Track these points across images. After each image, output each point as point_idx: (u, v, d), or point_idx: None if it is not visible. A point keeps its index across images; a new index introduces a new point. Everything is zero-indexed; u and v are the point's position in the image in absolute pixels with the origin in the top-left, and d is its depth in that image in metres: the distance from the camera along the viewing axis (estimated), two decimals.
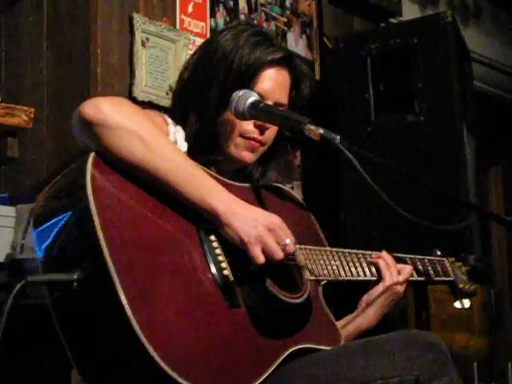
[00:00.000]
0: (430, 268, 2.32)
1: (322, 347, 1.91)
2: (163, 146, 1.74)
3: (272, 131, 2.06)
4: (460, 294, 2.40)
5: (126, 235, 1.62)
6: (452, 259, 2.41)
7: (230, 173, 2.07)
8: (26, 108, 2.69)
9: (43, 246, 1.67)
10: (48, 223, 1.68)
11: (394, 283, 2.15)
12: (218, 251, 1.77)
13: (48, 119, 2.80)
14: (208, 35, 3.09)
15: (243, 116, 1.97)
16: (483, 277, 3.47)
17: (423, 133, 3.18)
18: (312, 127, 1.88)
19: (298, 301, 1.91)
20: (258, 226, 1.77)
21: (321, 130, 1.87)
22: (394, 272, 2.16)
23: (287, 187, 2.20)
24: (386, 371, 1.77)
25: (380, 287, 2.15)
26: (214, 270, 1.74)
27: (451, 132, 3.16)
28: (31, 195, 2.32)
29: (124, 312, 1.52)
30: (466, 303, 2.42)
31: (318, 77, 3.75)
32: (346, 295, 2.27)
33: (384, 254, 2.19)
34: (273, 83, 2.03)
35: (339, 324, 2.12)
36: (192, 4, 3.11)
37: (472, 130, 3.42)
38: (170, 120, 1.99)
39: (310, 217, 2.20)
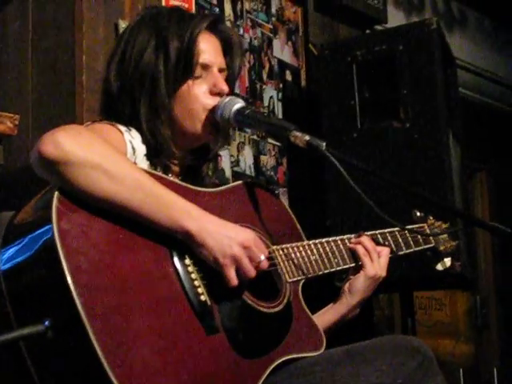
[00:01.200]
0: (410, 239, 2.23)
1: (306, 354, 1.89)
2: (127, 173, 1.69)
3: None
4: (441, 256, 2.33)
5: (97, 279, 1.58)
6: (432, 221, 2.34)
7: (189, 160, 2.04)
8: (11, 115, 2.67)
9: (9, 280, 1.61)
10: (13, 259, 1.63)
11: (376, 271, 2.07)
12: (193, 276, 1.73)
13: (33, 126, 2.79)
14: None
15: (229, 122, 1.96)
16: (469, 283, 3.48)
17: (409, 139, 3.19)
18: (298, 134, 1.88)
19: (277, 309, 1.89)
20: (232, 246, 1.73)
21: (307, 137, 1.87)
22: (375, 258, 2.08)
23: (260, 180, 2.12)
24: (371, 380, 1.76)
25: (362, 277, 2.07)
26: (190, 296, 1.71)
27: (436, 138, 3.17)
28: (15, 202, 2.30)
29: (99, 362, 1.49)
30: (448, 262, 2.34)
31: (303, 83, 3.75)
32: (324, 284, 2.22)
33: (363, 238, 2.11)
34: (211, 49, 2.00)
35: (321, 317, 2.07)
36: None
37: (457, 136, 3.43)
38: (123, 128, 1.92)
39: (285, 209, 2.12)
